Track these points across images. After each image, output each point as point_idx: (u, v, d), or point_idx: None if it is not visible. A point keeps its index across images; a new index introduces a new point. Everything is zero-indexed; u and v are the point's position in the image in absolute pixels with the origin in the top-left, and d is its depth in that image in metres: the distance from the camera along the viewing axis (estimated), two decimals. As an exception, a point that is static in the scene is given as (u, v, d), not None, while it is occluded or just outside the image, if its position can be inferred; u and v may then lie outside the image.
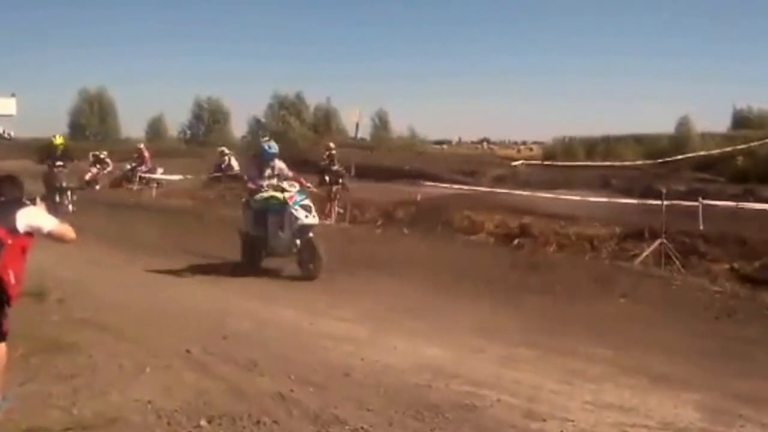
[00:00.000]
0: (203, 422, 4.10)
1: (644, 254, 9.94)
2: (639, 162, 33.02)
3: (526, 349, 6.07)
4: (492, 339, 6.35)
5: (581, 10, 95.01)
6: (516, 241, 11.44)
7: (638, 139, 43.66)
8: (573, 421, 4.36)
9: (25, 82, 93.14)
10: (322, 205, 15.00)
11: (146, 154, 22.58)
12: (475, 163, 37.05)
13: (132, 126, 55.26)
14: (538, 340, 6.34)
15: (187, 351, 5.46)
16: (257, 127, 52.44)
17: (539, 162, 37.40)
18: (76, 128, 47.95)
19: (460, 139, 79.04)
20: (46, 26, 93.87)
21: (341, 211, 14.68)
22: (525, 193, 17.61)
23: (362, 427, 4.11)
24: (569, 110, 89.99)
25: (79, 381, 4.57)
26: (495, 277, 9.13)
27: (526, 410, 4.54)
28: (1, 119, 42.83)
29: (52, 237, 4.16)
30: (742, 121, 48.33)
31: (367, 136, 51.75)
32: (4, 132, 42.49)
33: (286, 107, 52.46)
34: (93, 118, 49.17)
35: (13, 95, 43.66)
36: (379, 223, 13.98)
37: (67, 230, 4.26)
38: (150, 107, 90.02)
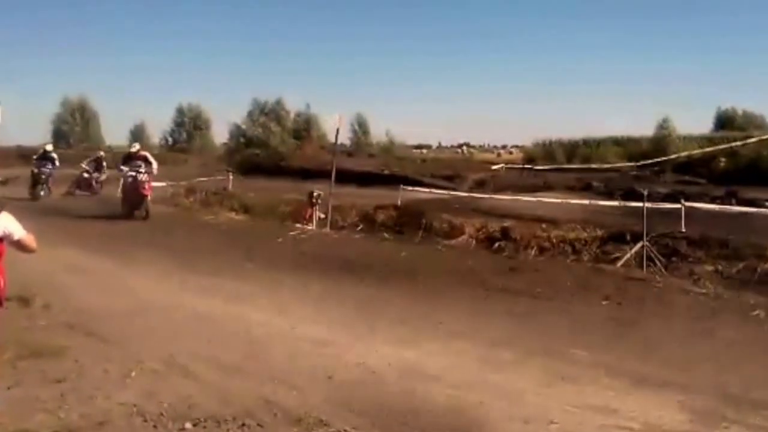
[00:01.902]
0: (188, 425, 4.14)
1: (626, 257, 10.02)
2: (619, 164, 33.23)
3: (508, 352, 6.08)
4: (474, 342, 6.38)
5: (561, 12, 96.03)
6: (497, 245, 11.50)
7: (618, 142, 44.15)
8: (557, 423, 4.41)
9: (5, 91, 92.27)
10: (303, 210, 15.08)
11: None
12: (455, 167, 37.19)
13: (114, 133, 54.98)
14: (520, 343, 6.36)
15: (171, 355, 5.48)
16: (238, 134, 52.40)
17: (520, 166, 37.66)
18: (60, 136, 47.60)
19: (440, 144, 79.46)
20: (26, 34, 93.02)
21: (323, 216, 14.72)
22: (505, 197, 17.79)
23: (345, 429, 4.16)
24: (549, 113, 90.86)
25: (66, 385, 4.59)
26: (476, 281, 9.17)
27: (508, 413, 4.58)
28: (-18, 127, 42.36)
29: (19, 244, 4.12)
30: (726, 122, 48.76)
31: (347, 142, 51.92)
32: (-13, 141, 42.01)
33: (266, 113, 52.42)
34: (75, 126, 48.85)
35: (-3, 103, 43.28)
36: (360, 228, 14.03)
37: (33, 240, 4.21)
38: (132, 115, 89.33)
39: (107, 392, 4.51)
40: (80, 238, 12.23)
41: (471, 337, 6.56)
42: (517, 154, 56.07)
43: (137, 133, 51.75)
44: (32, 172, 19.97)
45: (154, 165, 15.89)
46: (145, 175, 15.48)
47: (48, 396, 4.40)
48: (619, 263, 9.96)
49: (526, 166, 36.78)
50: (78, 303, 7.26)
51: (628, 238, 10.64)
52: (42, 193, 19.62)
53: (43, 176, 19.91)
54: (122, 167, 16.06)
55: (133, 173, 15.44)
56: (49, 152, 20.70)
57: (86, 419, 4.07)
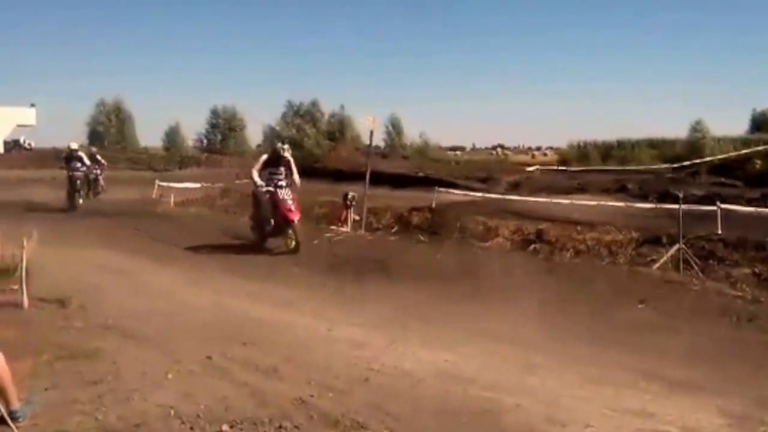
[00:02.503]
0: (225, 427, 4.13)
1: (662, 259, 9.84)
2: (654, 166, 32.76)
3: (543, 355, 6.02)
4: (509, 345, 6.32)
5: (596, 11, 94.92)
6: (532, 247, 11.39)
7: (653, 144, 43.50)
8: (593, 426, 4.33)
9: (43, 92, 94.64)
10: (338, 212, 15.11)
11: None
12: (489, 169, 37.04)
13: (150, 135, 56.01)
14: (556, 346, 6.30)
15: (208, 357, 5.48)
16: (272, 135, 52.91)
17: (554, 167, 37.31)
18: (95, 137, 48.57)
19: (474, 145, 79.30)
20: (64, 37, 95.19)
21: (357, 218, 14.71)
22: (540, 199, 17.59)
23: (383, 432, 4.12)
24: (584, 115, 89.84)
25: (102, 387, 4.61)
26: (511, 283, 9.09)
27: (545, 415, 4.51)
28: (21, 129, 43.38)
29: None
30: (762, 123, 47.80)
31: (381, 144, 52.08)
32: (24, 142, 43.06)
33: (301, 115, 52.85)
34: (111, 128, 49.77)
35: (32, 105, 44.25)
36: (395, 229, 14.00)
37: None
38: (167, 116, 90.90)
39: (144, 394, 4.52)
40: (113, 239, 12.41)
41: (507, 340, 6.50)
42: (552, 156, 55.73)
43: (172, 135, 52.60)
44: (69, 177, 18.42)
45: (296, 175, 12.03)
46: (288, 189, 11.79)
47: (85, 397, 4.42)
48: (655, 266, 9.77)
49: (561, 167, 36.37)
50: (114, 304, 7.33)
51: (664, 240, 10.45)
52: (80, 201, 18.39)
53: (78, 181, 18.38)
54: (255, 179, 11.71)
55: (271, 187, 11.61)
56: (75, 151, 19.14)
57: (123, 421, 4.08)
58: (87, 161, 19.06)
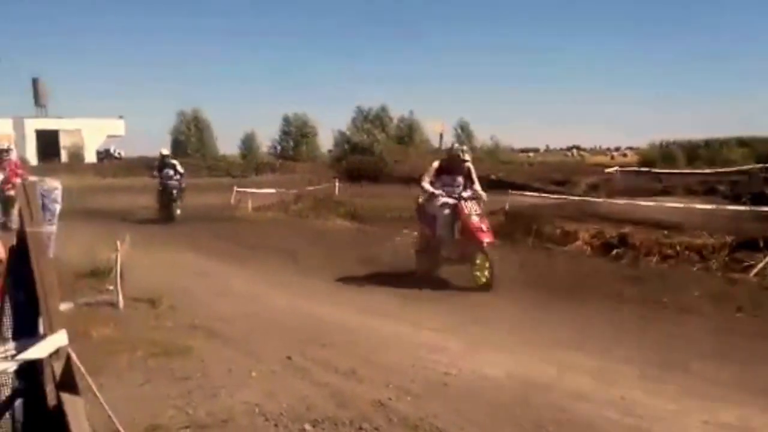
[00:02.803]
0: (307, 426, 4.23)
1: (760, 265, 9.29)
2: (747, 166, 31.06)
3: (630, 365, 5.78)
4: (593, 353, 6.11)
5: (674, 6, 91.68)
6: (614, 252, 11.05)
7: (744, 142, 41.37)
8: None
9: (131, 105, 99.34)
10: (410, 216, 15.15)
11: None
12: (565, 170, 36.23)
13: (228, 143, 57.85)
14: (645, 355, 6.03)
15: (289, 357, 5.62)
16: (343, 141, 53.58)
17: (636, 168, 36.11)
18: (177, 146, 50.47)
19: (548, 147, 77.82)
20: (150, 53, 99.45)
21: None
22: (621, 201, 17.06)
23: (460, 436, 4.13)
24: (666, 113, 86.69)
25: (192, 383, 4.82)
26: (593, 289, 8.82)
27: (634, 426, 4.40)
28: (111, 140, 45.64)
29: None
30: None
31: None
32: (114, 151, 45.21)
33: (371, 120, 53.29)
34: (191, 137, 51.58)
35: (121, 117, 46.56)
36: (467, 233, 13.84)
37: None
38: (244, 125, 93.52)
39: (230, 391, 4.69)
40: (197, 242, 12.85)
41: (589, 349, 6.27)
42: (632, 157, 54.03)
43: (248, 142, 54.00)
44: (159, 189, 17.38)
45: (478, 186, 9.74)
46: (475, 203, 9.42)
47: (176, 393, 4.63)
48: (753, 272, 9.25)
49: (643, 168, 35.16)
50: (201, 305, 7.63)
51: (761, 244, 9.92)
52: (178, 211, 17.12)
53: (174, 191, 17.19)
54: (427, 187, 9.42)
55: (453, 200, 9.32)
56: (167, 157, 18.29)
57: (212, 416, 4.24)
58: (180, 168, 17.83)
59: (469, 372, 5.52)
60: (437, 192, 9.34)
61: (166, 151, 18.91)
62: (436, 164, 9.66)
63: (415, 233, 10.83)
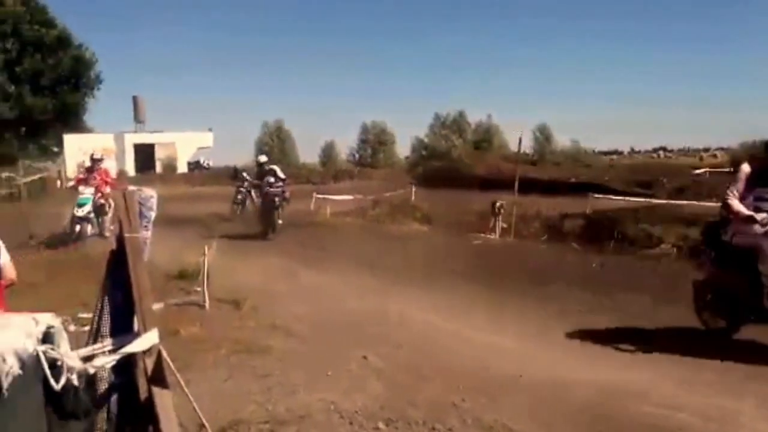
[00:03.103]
0: (381, 425, 4.32)
1: None
2: None
3: (715, 373, 5.57)
4: (675, 359, 5.95)
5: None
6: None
7: None
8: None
9: (219, 118, 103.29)
10: (486, 221, 15.07)
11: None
12: (651, 172, 34.98)
13: (308, 152, 58.97)
14: (731, 365, 5.75)
15: (364, 357, 5.74)
16: (420, 147, 53.64)
17: (726, 170, 34.47)
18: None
19: (632, 149, 75.29)
20: (236, 69, 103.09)
21: (505, 225, 14.58)
22: (711, 204, 16.35)
23: (533, 438, 4.13)
24: (757, 112, 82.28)
25: (272, 380, 5.01)
26: (677, 294, 8.50)
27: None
28: (201, 151, 47.62)
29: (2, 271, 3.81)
30: None
31: (530, 151, 51.05)
32: (204, 162, 46.99)
33: (448, 126, 53.13)
34: (274, 147, 52.87)
35: (210, 130, 48.60)
36: (545, 237, 13.70)
37: (13, 271, 3.85)
38: (323, 134, 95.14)
39: (308, 388, 4.85)
40: (278, 246, 13.21)
41: (672, 354, 6.08)
42: (723, 158, 51.62)
43: (327, 151, 54.87)
44: (263, 196, 15.59)
45: None
46: None
47: (257, 389, 4.83)
48: None
49: (734, 169, 33.48)
50: (281, 306, 7.87)
51: None
52: (279, 222, 15.13)
53: (276, 198, 15.10)
54: (739, 208, 6.24)
55: None
56: (265, 163, 17.24)
57: (290, 412, 4.41)
58: (281, 174, 16.08)
59: (543, 374, 5.50)
60: (760, 218, 6.04)
61: (263, 158, 18.31)
62: (746, 169, 6.62)
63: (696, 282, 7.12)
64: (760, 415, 4.59)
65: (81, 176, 14.74)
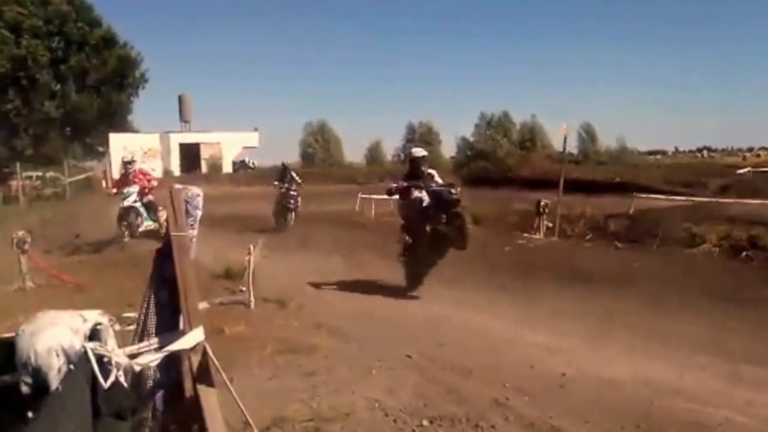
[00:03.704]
0: (425, 422, 4.26)
1: None
2: None
3: (758, 368, 5.51)
4: (718, 356, 5.84)
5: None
6: (744, 254, 10.34)
7: None
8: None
9: (265, 118, 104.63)
10: (530, 220, 14.86)
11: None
12: (694, 172, 34.27)
13: (355, 152, 59.00)
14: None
15: (408, 356, 5.69)
16: (465, 147, 53.27)
17: (770, 169, 33.48)
18: (306, 157, 52.13)
19: (676, 149, 73.68)
20: (283, 69, 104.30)
21: (550, 225, 14.35)
22: (754, 202, 15.90)
23: (577, 437, 4.03)
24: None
25: (317, 378, 4.97)
26: (720, 292, 8.32)
27: (760, 431, 4.15)
28: (246, 150, 47.87)
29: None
30: None
31: (574, 150, 50.30)
32: (249, 162, 47.37)
33: (493, 126, 52.67)
34: (319, 148, 53.07)
35: (255, 129, 48.80)
36: (589, 236, 13.45)
37: None
38: (370, 134, 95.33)
39: (352, 387, 4.81)
40: (323, 247, 13.19)
41: (715, 352, 5.99)
42: (766, 157, 50.16)
43: (373, 151, 54.86)
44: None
45: None
46: None
47: (302, 387, 4.79)
48: None
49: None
50: (325, 305, 7.86)
51: None
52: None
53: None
54: None
55: None
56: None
57: (334, 410, 4.36)
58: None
59: (586, 372, 5.39)
60: None
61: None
62: None
63: None
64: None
65: (118, 182, 14.95)
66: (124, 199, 13.48)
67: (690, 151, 72.23)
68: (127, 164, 14.38)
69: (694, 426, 4.27)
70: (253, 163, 47.12)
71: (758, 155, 56.28)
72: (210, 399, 2.80)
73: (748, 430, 4.21)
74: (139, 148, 41.67)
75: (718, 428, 4.24)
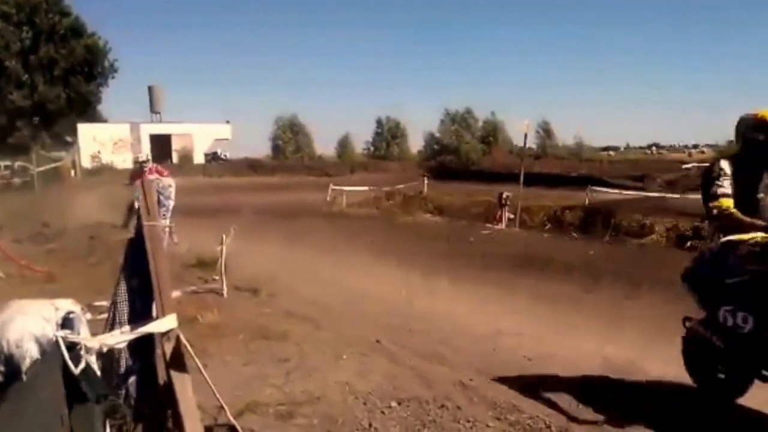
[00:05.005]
0: (394, 404, 4.21)
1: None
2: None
3: None
4: (666, 339, 5.84)
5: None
6: (689, 244, 10.60)
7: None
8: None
9: (237, 110, 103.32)
10: (493, 212, 14.97)
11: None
12: (644, 167, 34.99)
13: (325, 144, 58.66)
14: None
15: (377, 341, 5.63)
16: (431, 141, 53.46)
17: (713, 165, 34.31)
18: (277, 149, 51.68)
19: (628, 145, 74.98)
20: (255, 62, 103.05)
21: (511, 216, 14.48)
22: (697, 195, 16.28)
23: (538, 416, 4.01)
24: (743, 110, 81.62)
25: (289, 364, 4.87)
26: (668, 279, 8.45)
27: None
28: (218, 143, 47.12)
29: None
30: None
31: (534, 146, 50.87)
32: (221, 153, 46.64)
33: (457, 122, 52.93)
34: (290, 140, 52.60)
35: (227, 122, 48.11)
36: (548, 227, 13.63)
37: None
38: (341, 127, 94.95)
39: (324, 371, 4.72)
40: (295, 235, 13.06)
41: (664, 334, 5.94)
42: (710, 153, 51.38)
43: (343, 143, 54.66)
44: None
45: None
46: None
47: (275, 373, 4.69)
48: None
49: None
50: (297, 293, 7.75)
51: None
52: None
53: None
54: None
55: None
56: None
57: (307, 394, 4.28)
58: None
59: (546, 354, 5.46)
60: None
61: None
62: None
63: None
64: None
65: (135, 176, 14.53)
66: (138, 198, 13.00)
67: (640, 147, 73.53)
68: (142, 163, 13.98)
69: (655, 402, 4.38)
70: (225, 155, 46.40)
71: (702, 152, 57.67)
72: (183, 385, 2.71)
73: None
74: (108, 138, 40.76)
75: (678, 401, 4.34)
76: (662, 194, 18.70)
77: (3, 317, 2.27)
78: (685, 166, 33.92)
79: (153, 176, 13.07)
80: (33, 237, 12.80)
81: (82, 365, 2.30)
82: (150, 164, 13.93)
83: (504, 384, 4.66)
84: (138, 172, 14.15)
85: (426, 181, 23.18)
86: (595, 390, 4.59)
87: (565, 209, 14.24)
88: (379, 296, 7.85)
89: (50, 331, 2.27)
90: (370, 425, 3.86)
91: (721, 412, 4.26)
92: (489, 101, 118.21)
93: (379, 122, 56.21)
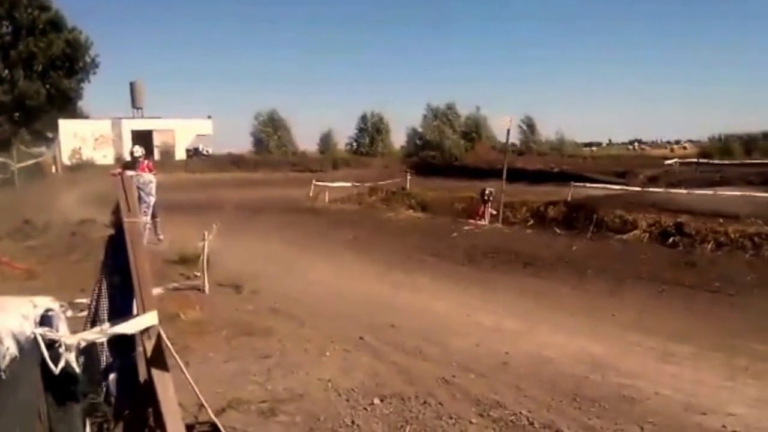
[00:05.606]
0: (376, 400, 4.24)
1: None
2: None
3: (684, 345, 5.75)
4: (647, 334, 6.09)
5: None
6: (671, 240, 10.70)
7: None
8: (734, 415, 4.07)
9: (219, 106, 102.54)
10: (476, 207, 15.01)
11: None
12: (626, 163, 35.32)
13: (308, 139, 58.26)
14: (697, 337, 5.97)
15: (360, 338, 5.65)
16: (414, 137, 53.38)
17: (694, 161, 34.76)
18: (259, 144, 51.32)
19: (610, 141, 75.49)
20: (237, 58, 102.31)
21: (494, 212, 14.53)
22: (680, 191, 16.49)
23: (521, 412, 4.05)
24: (725, 107, 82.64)
25: (272, 361, 4.88)
26: (650, 275, 8.63)
27: (685, 403, 4.31)
28: (200, 138, 46.65)
29: None
30: None
31: (516, 142, 51.04)
32: (203, 149, 46.17)
33: (439, 117, 52.90)
34: (271, 135, 52.16)
35: (209, 117, 47.62)
36: (530, 223, 13.68)
37: None
38: (323, 122, 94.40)
39: (306, 368, 4.73)
40: (278, 232, 13.02)
41: (645, 330, 6.26)
42: (691, 149, 52.00)
43: (326, 139, 54.37)
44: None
45: None
46: None
47: (257, 370, 4.69)
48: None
49: (701, 160, 33.78)
50: (280, 290, 7.71)
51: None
52: None
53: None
54: None
55: None
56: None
57: (289, 392, 4.29)
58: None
59: (526, 350, 5.49)
60: None
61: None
62: None
63: None
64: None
65: (125, 168, 14.30)
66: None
67: (623, 143, 74.08)
68: (137, 157, 13.73)
69: (625, 399, 4.38)
70: (207, 151, 45.89)
71: (684, 147, 58.28)
72: (164, 382, 2.69)
73: (674, 401, 4.34)
74: (89, 134, 40.17)
75: (647, 401, 4.35)
76: (644, 189, 18.84)
77: (-19, 315, 2.24)
78: (667, 162, 34.24)
79: (132, 173, 12.99)
80: (13, 233, 12.60)
81: (61, 363, 2.27)
82: (143, 159, 13.74)
83: (487, 380, 4.68)
84: (130, 165, 13.98)
85: (409, 177, 23.18)
86: (578, 385, 4.64)
87: (548, 205, 14.26)
88: (362, 292, 7.85)
89: (28, 328, 2.24)
90: (352, 422, 3.87)
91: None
92: (472, 97, 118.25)
93: (363, 117, 56.09)
